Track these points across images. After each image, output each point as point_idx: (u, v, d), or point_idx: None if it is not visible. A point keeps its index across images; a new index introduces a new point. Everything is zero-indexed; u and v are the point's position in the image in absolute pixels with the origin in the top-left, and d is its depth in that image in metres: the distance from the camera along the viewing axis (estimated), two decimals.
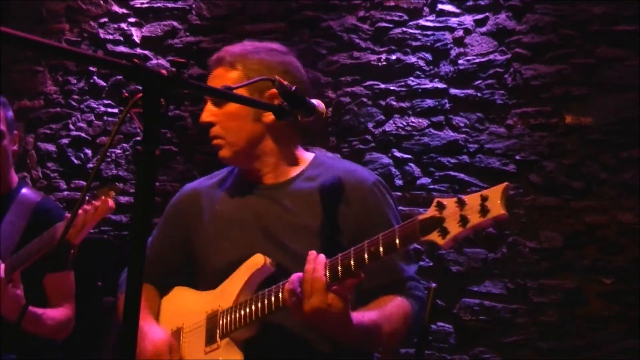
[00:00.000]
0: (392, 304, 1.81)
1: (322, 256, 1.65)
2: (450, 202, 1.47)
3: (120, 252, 3.27)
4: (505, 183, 1.43)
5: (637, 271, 3.19)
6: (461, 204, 1.45)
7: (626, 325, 3.18)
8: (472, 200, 1.44)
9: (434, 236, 1.47)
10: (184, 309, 1.96)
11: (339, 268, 1.61)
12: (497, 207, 1.40)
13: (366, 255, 1.58)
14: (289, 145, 2.02)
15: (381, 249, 1.57)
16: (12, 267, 2.38)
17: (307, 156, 2.04)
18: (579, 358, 3.21)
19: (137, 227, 1.22)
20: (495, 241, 3.41)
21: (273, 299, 1.71)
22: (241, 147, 1.95)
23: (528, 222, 3.38)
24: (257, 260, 1.82)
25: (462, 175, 3.49)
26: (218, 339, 1.80)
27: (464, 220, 1.43)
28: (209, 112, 1.97)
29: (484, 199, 1.42)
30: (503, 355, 3.32)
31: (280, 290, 1.71)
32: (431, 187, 3.52)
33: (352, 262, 1.60)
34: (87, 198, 2.26)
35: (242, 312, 1.77)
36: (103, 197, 2.22)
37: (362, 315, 1.72)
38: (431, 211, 1.49)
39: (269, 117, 1.92)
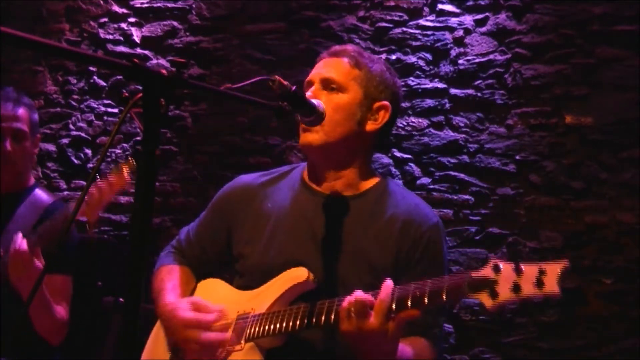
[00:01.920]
0: (424, 348, 1.82)
1: (390, 281, 1.64)
2: (506, 267, 1.48)
3: (120, 252, 3.27)
4: (566, 262, 1.45)
5: (637, 271, 3.19)
6: (518, 271, 1.46)
7: (626, 325, 3.18)
8: (530, 270, 1.45)
9: (483, 296, 1.48)
10: (217, 302, 1.94)
11: (409, 299, 1.61)
12: (552, 284, 1.42)
13: (410, 301, 1.59)
14: (369, 159, 2.03)
15: (426, 299, 1.57)
16: (35, 242, 2.42)
17: (375, 176, 2.02)
18: (579, 358, 3.21)
19: (137, 227, 1.21)
20: (495, 241, 3.41)
21: (315, 318, 1.70)
22: (334, 140, 1.91)
23: (528, 222, 3.38)
24: (300, 274, 1.81)
25: (462, 175, 3.49)
26: (243, 341, 1.79)
27: (516, 287, 1.45)
28: (318, 94, 1.92)
29: (542, 272, 1.44)
30: (503, 355, 3.32)
31: (324, 310, 1.69)
32: (431, 187, 3.52)
33: (409, 301, 1.60)
34: (98, 177, 2.29)
35: (274, 323, 1.76)
36: (116, 172, 2.24)
37: (403, 349, 1.72)
38: (485, 271, 1.50)
39: (372, 125, 1.95)
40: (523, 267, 1.46)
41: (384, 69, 2.03)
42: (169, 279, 2.03)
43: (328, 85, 1.93)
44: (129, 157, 2.30)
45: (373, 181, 2.00)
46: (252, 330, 1.79)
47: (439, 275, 1.78)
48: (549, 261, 1.46)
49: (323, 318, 1.68)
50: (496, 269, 1.48)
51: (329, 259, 1.86)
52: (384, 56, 3.65)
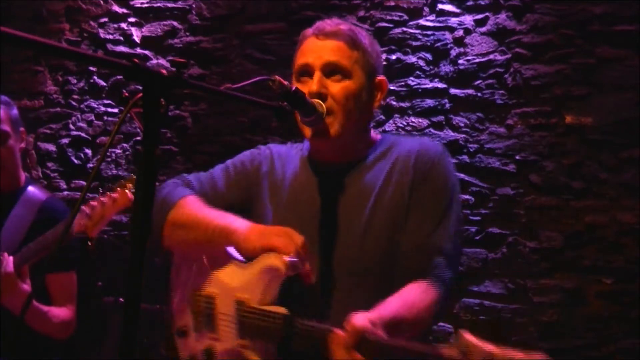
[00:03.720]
0: (416, 290, 1.74)
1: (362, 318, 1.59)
2: (476, 353, 1.34)
3: (120, 252, 3.27)
4: (543, 357, 1.30)
5: (637, 271, 3.19)
6: None
7: (626, 325, 3.18)
8: None
9: None
10: (220, 272, 1.84)
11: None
12: None
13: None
14: (369, 127, 2.01)
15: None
16: (22, 261, 2.40)
17: (376, 136, 2.00)
18: (578, 358, 3.21)
19: (137, 227, 1.21)
20: (495, 241, 3.41)
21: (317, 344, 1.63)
22: (348, 129, 1.86)
23: (528, 222, 3.38)
24: (276, 265, 1.71)
25: (462, 175, 3.48)
26: (248, 338, 1.74)
27: None
28: (325, 82, 1.85)
29: None
30: None
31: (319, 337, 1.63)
32: None
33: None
34: (101, 190, 2.28)
35: (271, 327, 1.69)
36: (120, 190, 2.23)
37: (385, 313, 1.63)
38: (455, 352, 1.36)
39: (375, 103, 1.93)
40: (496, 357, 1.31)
41: (371, 40, 1.96)
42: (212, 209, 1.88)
43: (332, 71, 1.86)
44: (133, 175, 2.27)
45: (373, 141, 1.97)
46: (255, 327, 1.73)
47: (442, 200, 1.82)
48: (525, 353, 1.32)
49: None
50: (465, 354, 1.35)
51: (343, 231, 1.83)
52: (383, 56, 3.65)
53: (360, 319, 1.57)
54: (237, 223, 1.79)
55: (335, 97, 1.84)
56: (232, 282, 1.81)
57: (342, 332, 1.57)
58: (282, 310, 1.72)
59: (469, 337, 1.36)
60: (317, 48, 1.88)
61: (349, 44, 1.88)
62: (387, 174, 1.88)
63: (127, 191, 2.22)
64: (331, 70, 1.85)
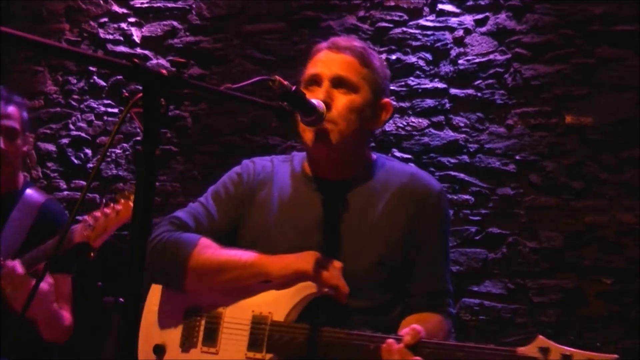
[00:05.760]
0: (437, 325, 1.87)
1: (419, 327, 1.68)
2: (555, 351, 1.51)
3: (120, 252, 3.27)
4: (616, 356, 1.45)
5: (637, 271, 3.19)
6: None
7: (626, 325, 3.18)
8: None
9: None
10: (226, 291, 1.88)
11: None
12: None
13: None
14: (367, 146, 2.06)
15: None
16: (29, 265, 2.40)
17: (370, 156, 2.04)
18: None
19: (137, 227, 1.22)
20: (495, 241, 3.41)
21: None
22: (347, 140, 1.89)
23: (528, 222, 3.38)
24: (312, 284, 1.79)
25: (462, 175, 3.49)
26: (264, 350, 1.76)
27: None
28: (331, 92, 1.89)
29: None
30: None
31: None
32: None
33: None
34: (105, 201, 2.27)
35: (297, 341, 1.74)
36: (123, 201, 2.22)
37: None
38: (532, 350, 1.52)
39: (377, 124, 1.98)
40: (573, 356, 1.49)
41: (382, 62, 2.04)
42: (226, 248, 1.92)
43: (340, 84, 1.90)
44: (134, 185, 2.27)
45: (368, 162, 2.02)
46: (275, 339, 1.77)
47: (445, 241, 1.93)
48: (599, 354, 1.47)
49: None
50: (544, 351, 1.51)
51: (339, 248, 1.86)
52: (383, 56, 3.65)
53: (415, 326, 1.68)
54: (264, 257, 1.84)
55: (339, 109, 1.88)
56: (250, 300, 1.84)
57: (394, 340, 1.67)
58: (306, 325, 1.76)
59: (545, 339, 1.52)
60: (329, 60, 1.94)
61: (360, 60, 1.94)
62: (387, 201, 1.92)
63: (130, 203, 2.21)
64: (339, 82, 1.90)
